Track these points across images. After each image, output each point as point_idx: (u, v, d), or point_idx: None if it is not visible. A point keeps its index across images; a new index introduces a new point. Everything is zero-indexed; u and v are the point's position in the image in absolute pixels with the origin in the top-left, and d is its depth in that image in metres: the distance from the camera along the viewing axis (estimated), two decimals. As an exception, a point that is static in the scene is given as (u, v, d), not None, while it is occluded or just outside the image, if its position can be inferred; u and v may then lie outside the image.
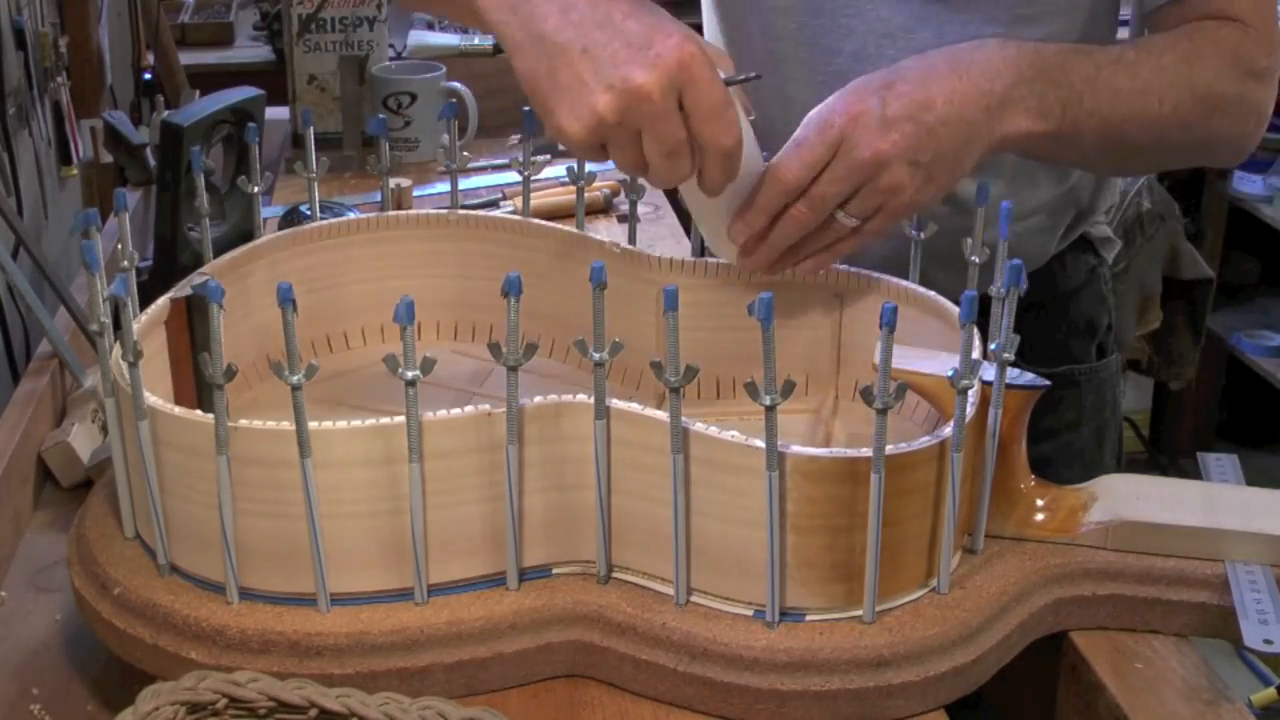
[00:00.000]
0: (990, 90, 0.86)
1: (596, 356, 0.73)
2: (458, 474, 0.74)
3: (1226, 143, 0.98)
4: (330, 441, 0.72)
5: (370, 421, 0.73)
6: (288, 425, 0.72)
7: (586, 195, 1.05)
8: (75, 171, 1.95)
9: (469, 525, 0.75)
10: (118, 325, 0.76)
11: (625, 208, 1.25)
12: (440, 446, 0.73)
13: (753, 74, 0.82)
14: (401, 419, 0.72)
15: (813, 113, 0.85)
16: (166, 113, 1.24)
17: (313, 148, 0.97)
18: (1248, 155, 1.01)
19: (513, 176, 1.54)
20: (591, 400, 0.74)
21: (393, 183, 1.08)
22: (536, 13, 0.78)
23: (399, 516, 0.74)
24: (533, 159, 1.00)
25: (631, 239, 0.99)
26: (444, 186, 1.50)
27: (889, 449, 0.71)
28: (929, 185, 0.85)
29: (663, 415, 0.73)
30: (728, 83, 0.78)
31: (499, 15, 0.79)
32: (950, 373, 0.72)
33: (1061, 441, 1.15)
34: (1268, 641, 0.74)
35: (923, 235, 0.91)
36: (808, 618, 0.74)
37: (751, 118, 0.83)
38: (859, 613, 0.74)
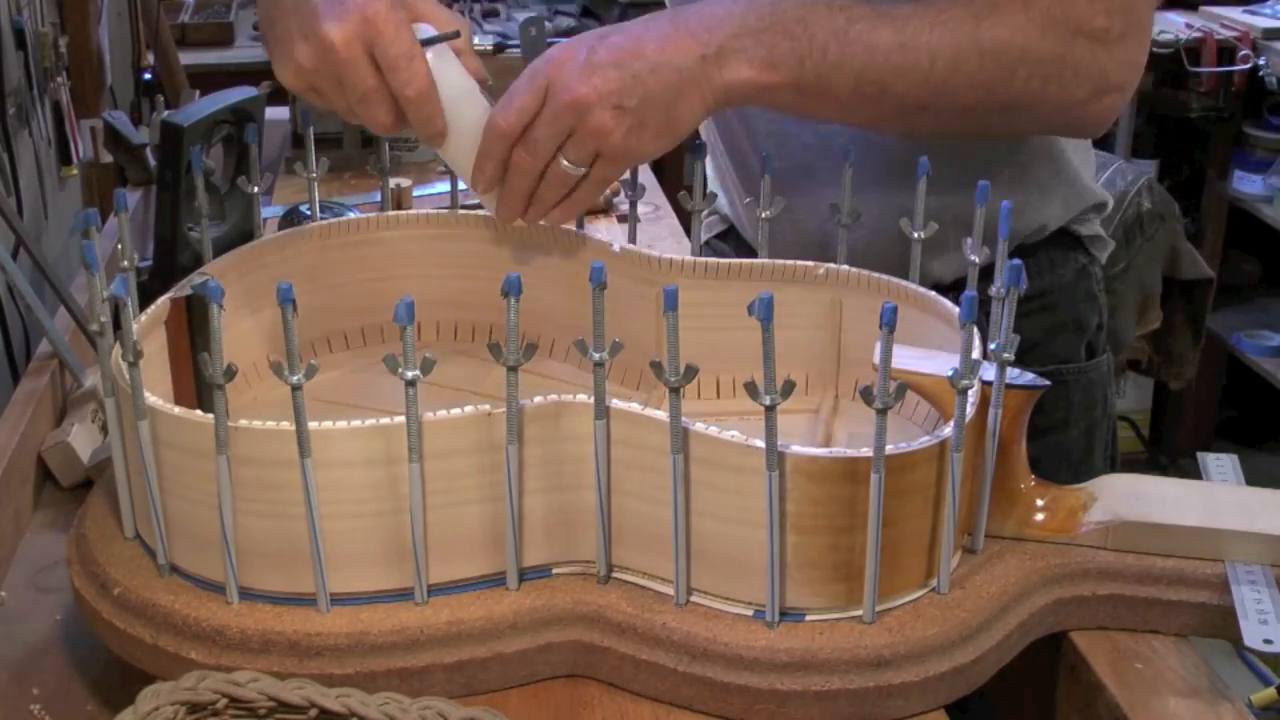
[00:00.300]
0: (708, 40, 0.88)
1: (596, 356, 0.73)
2: (457, 474, 0.74)
3: (1053, 108, 0.93)
4: (329, 441, 0.72)
5: (370, 422, 0.73)
6: (287, 425, 0.72)
7: (586, 195, 1.05)
8: (75, 171, 1.95)
9: (468, 525, 0.75)
10: (118, 325, 0.76)
11: (625, 208, 1.25)
12: (439, 446, 0.73)
13: (451, 32, 0.88)
14: (400, 419, 0.72)
15: (530, 64, 0.90)
16: (166, 113, 1.24)
17: (312, 148, 0.97)
18: (1102, 125, 0.96)
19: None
20: (591, 400, 0.74)
21: (393, 183, 1.08)
22: None
23: (398, 516, 0.74)
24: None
25: (631, 239, 0.99)
26: (444, 186, 1.50)
27: (889, 449, 0.71)
28: (640, 130, 0.87)
29: (662, 415, 0.73)
30: (426, 42, 0.86)
31: None
32: (950, 372, 0.72)
33: (1049, 441, 1.15)
34: (1268, 641, 0.74)
35: (922, 235, 0.91)
36: (807, 618, 0.74)
37: (488, 82, 0.90)
38: (859, 613, 0.74)
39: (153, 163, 1.54)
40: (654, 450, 0.74)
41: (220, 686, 0.67)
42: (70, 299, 1.12)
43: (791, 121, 1.03)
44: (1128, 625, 0.81)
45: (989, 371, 0.77)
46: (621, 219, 1.53)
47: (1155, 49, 1.15)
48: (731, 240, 1.21)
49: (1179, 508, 0.82)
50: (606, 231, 1.46)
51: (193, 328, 0.88)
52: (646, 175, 1.66)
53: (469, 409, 0.74)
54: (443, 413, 0.73)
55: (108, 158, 1.74)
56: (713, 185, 1.19)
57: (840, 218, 0.94)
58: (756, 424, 0.71)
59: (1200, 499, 0.84)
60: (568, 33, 2.75)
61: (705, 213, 0.98)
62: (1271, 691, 2.10)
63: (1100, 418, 1.20)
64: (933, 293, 0.88)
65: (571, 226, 0.99)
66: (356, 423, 0.73)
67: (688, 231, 0.98)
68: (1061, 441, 1.16)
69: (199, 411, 0.75)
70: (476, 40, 2.06)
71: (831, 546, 0.73)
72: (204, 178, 0.93)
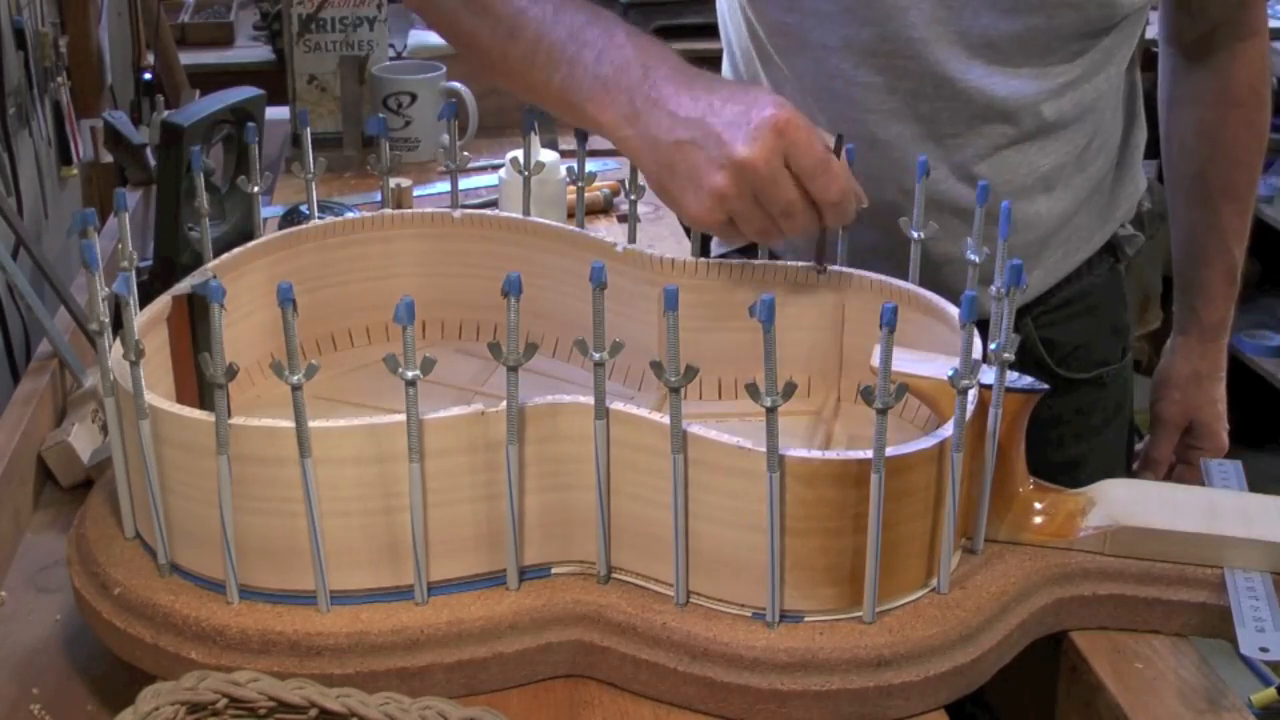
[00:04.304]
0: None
1: (596, 356, 0.73)
2: (451, 473, 0.74)
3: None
4: (326, 440, 0.72)
5: (365, 420, 0.73)
6: (284, 423, 0.72)
7: (586, 195, 1.05)
8: (75, 171, 1.95)
9: (462, 524, 0.75)
10: (118, 324, 0.76)
11: (625, 208, 1.25)
12: (434, 446, 0.73)
13: (839, 135, 0.87)
14: (394, 418, 0.72)
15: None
16: (166, 113, 1.24)
17: (309, 148, 0.97)
18: None
19: (513, 176, 1.53)
20: (587, 401, 0.74)
21: (393, 183, 1.08)
22: (650, 120, 0.85)
23: (392, 515, 0.74)
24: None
25: (631, 239, 0.99)
26: (444, 186, 1.50)
27: (887, 451, 0.71)
28: None
29: (657, 416, 0.73)
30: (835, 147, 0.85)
31: (622, 131, 0.87)
32: (950, 373, 0.72)
33: (1093, 443, 1.16)
34: (1263, 649, 0.74)
35: (922, 235, 0.91)
36: (804, 619, 0.74)
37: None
38: (859, 614, 0.74)
39: (153, 163, 1.54)
40: (649, 451, 0.74)
41: (220, 686, 0.67)
42: (70, 299, 1.12)
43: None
44: (1128, 625, 0.81)
45: (988, 375, 0.77)
46: (621, 219, 1.53)
47: (1155, 49, 1.18)
48: (750, 254, 1.21)
49: (1177, 513, 0.82)
50: (607, 231, 1.45)
51: (194, 326, 0.88)
52: (646, 175, 1.66)
53: (463, 409, 0.74)
54: (437, 413, 0.73)
55: (108, 158, 1.74)
56: None
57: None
58: (757, 425, 0.71)
59: (1200, 505, 0.83)
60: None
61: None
62: (1271, 691, 2.10)
63: (1129, 414, 1.22)
64: (935, 296, 0.88)
65: (572, 226, 0.99)
66: (352, 421, 0.73)
67: (688, 232, 0.98)
68: (1108, 441, 1.18)
69: (198, 410, 0.75)
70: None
71: (823, 549, 0.73)
72: (204, 178, 0.93)
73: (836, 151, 0.85)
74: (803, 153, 0.83)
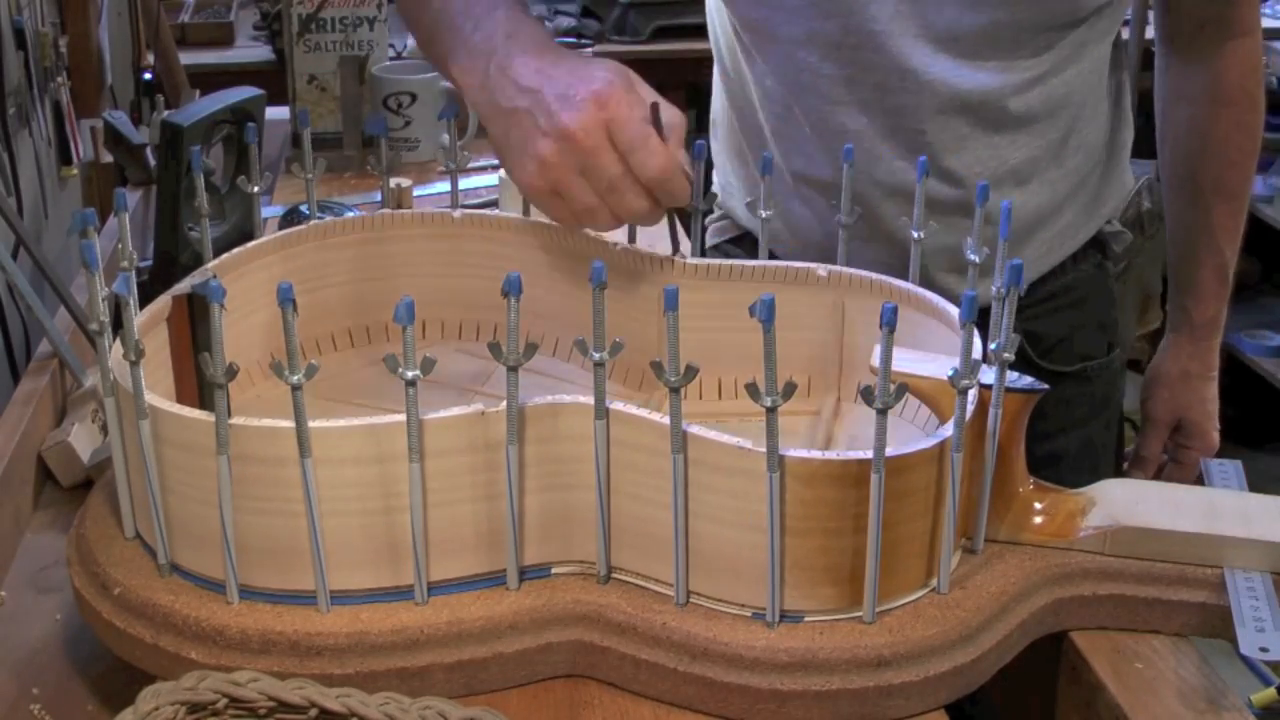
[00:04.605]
0: None
1: (596, 356, 0.73)
2: (451, 473, 0.74)
3: None
4: (326, 440, 0.72)
5: (365, 420, 0.73)
6: (285, 423, 0.72)
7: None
8: (75, 171, 1.95)
9: (461, 524, 0.75)
10: (118, 324, 0.76)
11: (625, 208, 1.25)
12: (434, 446, 0.73)
13: (654, 104, 0.85)
14: (394, 418, 0.72)
15: None
16: (166, 113, 1.24)
17: (309, 148, 0.97)
18: None
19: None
20: (587, 401, 0.74)
21: (393, 183, 1.08)
22: (496, 87, 0.87)
23: (392, 515, 0.74)
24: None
25: (631, 239, 0.99)
26: (444, 186, 1.50)
27: (886, 452, 0.71)
28: None
29: (656, 416, 0.73)
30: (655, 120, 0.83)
31: (475, 96, 0.89)
32: (951, 373, 0.72)
33: (1073, 436, 1.17)
34: (1263, 650, 0.74)
35: (922, 235, 0.91)
36: (804, 619, 0.74)
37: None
38: (859, 614, 0.74)
39: (153, 163, 1.54)
40: (649, 451, 0.74)
41: (220, 686, 0.67)
42: (70, 299, 1.12)
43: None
44: (1128, 625, 0.81)
45: (988, 375, 0.77)
46: (621, 219, 1.52)
47: (1155, 50, 1.19)
48: (747, 245, 1.21)
49: (1178, 513, 0.82)
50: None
51: (194, 326, 0.88)
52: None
53: (462, 409, 0.74)
54: (437, 413, 0.73)
55: (108, 158, 1.74)
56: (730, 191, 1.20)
57: (840, 218, 0.94)
58: (758, 425, 0.71)
59: (1200, 505, 0.83)
60: (568, 33, 2.75)
61: (716, 216, 0.99)
62: (1271, 691, 2.10)
63: (1116, 410, 1.22)
64: (936, 296, 0.88)
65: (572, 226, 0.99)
66: (353, 421, 0.73)
67: (688, 232, 0.98)
68: (1091, 435, 1.18)
69: (198, 409, 0.75)
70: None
71: (823, 549, 0.73)
72: (204, 178, 0.93)
73: (657, 125, 0.84)
74: (621, 126, 0.82)
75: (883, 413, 0.70)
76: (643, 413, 0.74)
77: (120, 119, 1.61)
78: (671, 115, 0.85)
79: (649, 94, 0.86)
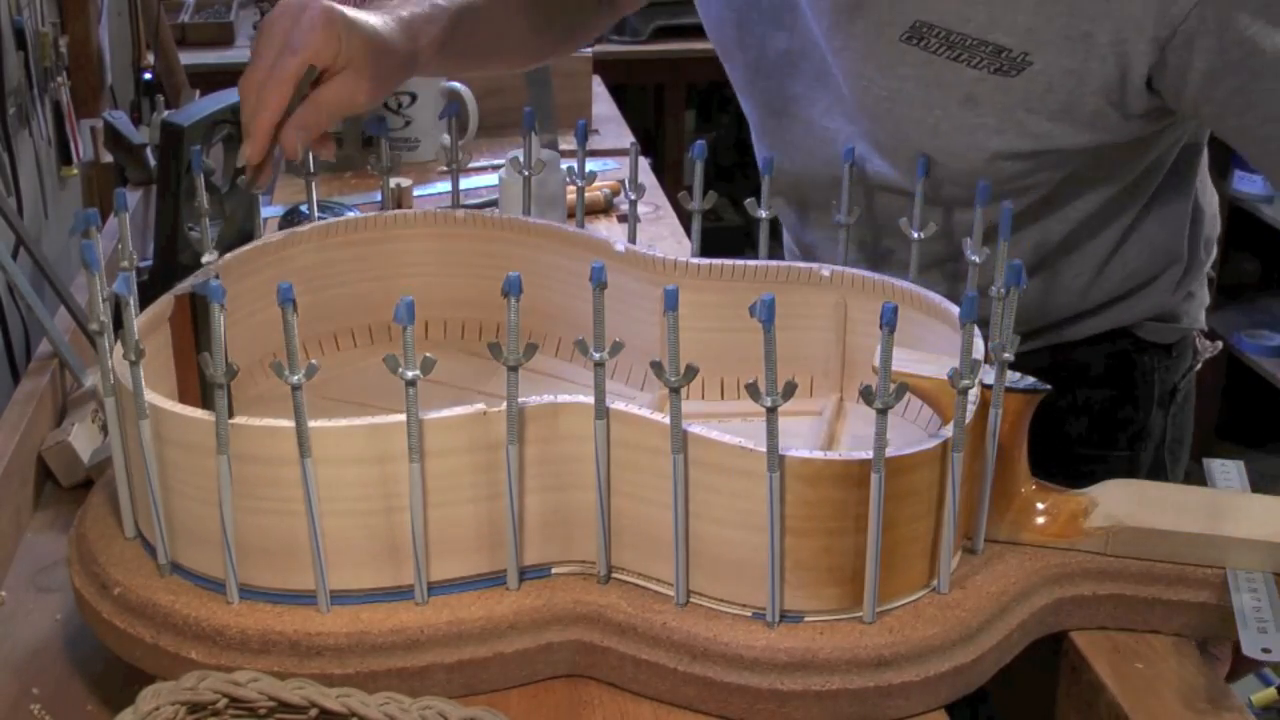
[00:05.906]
0: None
1: (596, 356, 0.73)
2: (451, 473, 0.74)
3: None
4: (326, 440, 0.72)
5: (365, 420, 0.73)
6: (285, 423, 0.72)
7: (586, 195, 1.05)
8: (75, 171, 1.95)
9: (462, 524, 0.75)
10: (118, 324, 0.76)
11: (625, 207, 1.25)
12: (434, 445, 0.73)
13: (311, 67, 0.88)
14: (394, 418, 0.72)
15: None
16: (166, 113, 1.23)
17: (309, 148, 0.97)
18: None
19: (513, 176, 1.53)
20: (588, 401, 0.74)
21: (393, 183, 1.08)
22: None
23: (392, 515, 0.74)
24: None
25: (631, 239, 0.99)
26: (444, 186, 1.50)
27: (887, 452, 0.71)
28: None
29: (657, 416, 0.73)
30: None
31: None
32: (950, 372, 0.72)
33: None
34: (1266, 650, 0.74)
35: (922, 235, 0.91)
36: (805, 619, 0.74)
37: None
38: (859, 614, 0.74)
39: (153, 163, 1.54)
40: (650, 451, 0.74)
41: (220, 686, 0.67)
42: (70, 299, 1.12)
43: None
44: (1128, 625, 0.81)
45: (989, 375, 0.77)
46: (621, 219, 1.53)
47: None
48: None
49: (1180, 514, 0.82)
50: (607, 231, 1.45)
51: (196, 325, 0.88)
52: (646, 175, 1.66)
53: (463, 408, 0.74)
54: (437, 413, 0.73)
55: (108, 158, 1.73)
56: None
57: (839, 218, 0.94)
58: (759, 425, 0.71)
59: (1202, 505, 0.83)
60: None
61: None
62: (1271, 691, 2.10)
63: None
64: (938, 296, 0.88)
65: (572, 226, 0.99)
66: (353, 421, 0.73)
67: (688, 231, 0.98)
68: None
69: (198, 409, 0.75)
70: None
71: (825, 549, 0.73)
72: (204, 178, 0.93)
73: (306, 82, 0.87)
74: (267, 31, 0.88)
75: (883, 413, 0.70)
76: (643, 413, 0.74)
77: (120, 119, 1.61)
78: (336, 93, 0.89)
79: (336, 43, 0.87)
